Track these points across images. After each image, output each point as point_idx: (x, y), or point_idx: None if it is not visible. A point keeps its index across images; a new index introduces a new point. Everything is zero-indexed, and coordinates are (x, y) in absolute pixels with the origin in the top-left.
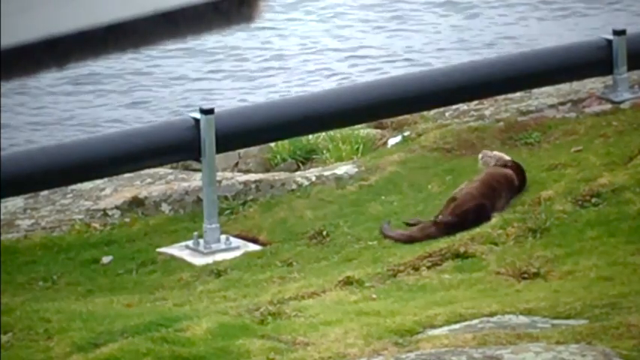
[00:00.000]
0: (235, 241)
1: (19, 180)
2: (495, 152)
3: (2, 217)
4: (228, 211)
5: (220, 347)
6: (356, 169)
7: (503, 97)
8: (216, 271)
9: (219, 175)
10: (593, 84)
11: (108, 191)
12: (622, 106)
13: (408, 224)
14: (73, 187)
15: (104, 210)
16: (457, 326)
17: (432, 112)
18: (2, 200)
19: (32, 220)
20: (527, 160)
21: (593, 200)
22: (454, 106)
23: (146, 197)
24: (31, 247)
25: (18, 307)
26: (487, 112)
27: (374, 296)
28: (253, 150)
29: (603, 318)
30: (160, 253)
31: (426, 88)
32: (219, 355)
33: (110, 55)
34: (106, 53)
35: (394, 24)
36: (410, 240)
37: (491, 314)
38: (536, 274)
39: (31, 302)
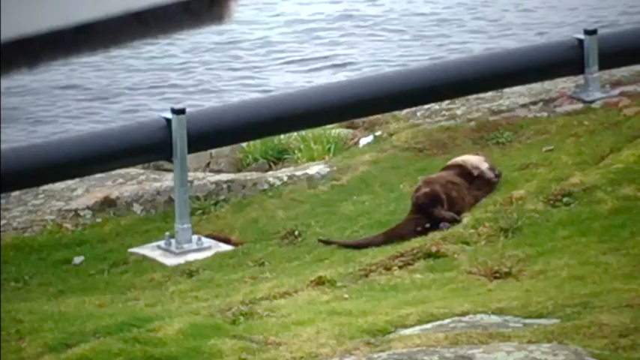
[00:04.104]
0: (207, 241)
1: None
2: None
3: None
4: (199, 211)
5: (192, 347)
6: (328, 169)
7: (474, 96)
8: (188, 271)
9: (191, 175)
10: (564, 83)
11: (79, 191)
12: (593, 105)
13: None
14: (45, 187)
15: (76, 210)
16: (429, 326)
17: (404, 111)
18: None
19: (3, 221)
20: (498, 159)
21: (565, 200)
22: (426, 106)
23: (118, 197)
24: (3, 248)
25: None
26: (459, 112)
27: (346, 296)
28: (225, 150)
29: (575, 317)
30: (132, 254)
31: (398, 88)
32: (191, 356)
33: (81, 55)
34: (77, 53)
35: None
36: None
37: (463, 314)
38: (507, 274)
39: (3, 303)
